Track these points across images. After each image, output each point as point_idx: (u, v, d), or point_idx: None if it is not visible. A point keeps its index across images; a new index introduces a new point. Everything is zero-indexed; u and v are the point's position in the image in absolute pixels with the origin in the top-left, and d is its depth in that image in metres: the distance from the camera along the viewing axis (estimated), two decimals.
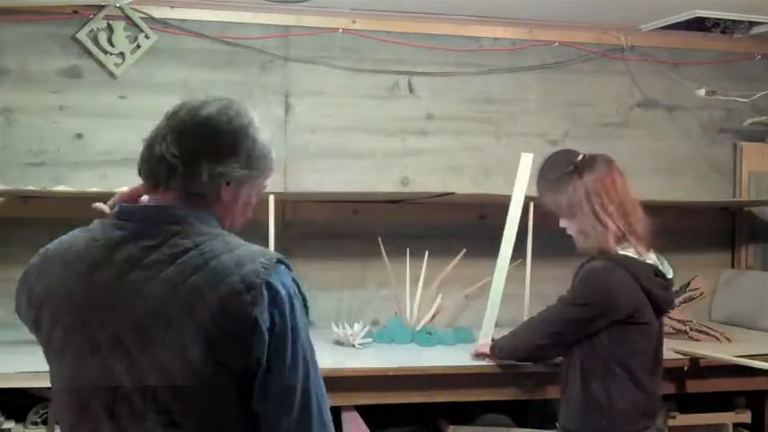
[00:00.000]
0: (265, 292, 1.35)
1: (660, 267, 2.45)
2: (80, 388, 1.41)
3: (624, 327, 2.39)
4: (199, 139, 1.44)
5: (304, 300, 1.43)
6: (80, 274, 1.41)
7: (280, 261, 1.41)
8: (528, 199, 3.17)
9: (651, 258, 2.44)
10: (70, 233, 1.51)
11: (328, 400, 1.45)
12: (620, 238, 2.40)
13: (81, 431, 1.42)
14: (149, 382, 1.35)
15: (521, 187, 3.05)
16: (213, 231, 1.43)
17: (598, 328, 2.39)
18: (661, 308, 2.46)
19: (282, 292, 1.37)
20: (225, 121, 1.45)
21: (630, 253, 2.40)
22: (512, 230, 3.05)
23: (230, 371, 1.34)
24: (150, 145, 1.47)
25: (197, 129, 1.44)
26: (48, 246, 1.51)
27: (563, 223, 2.49)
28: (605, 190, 2.40)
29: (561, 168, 2.48)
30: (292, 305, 1.38)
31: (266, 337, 1.34)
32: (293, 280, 1.42)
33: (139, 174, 1.50)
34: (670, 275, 2.48)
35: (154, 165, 1.45)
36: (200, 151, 1.43)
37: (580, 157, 2.48)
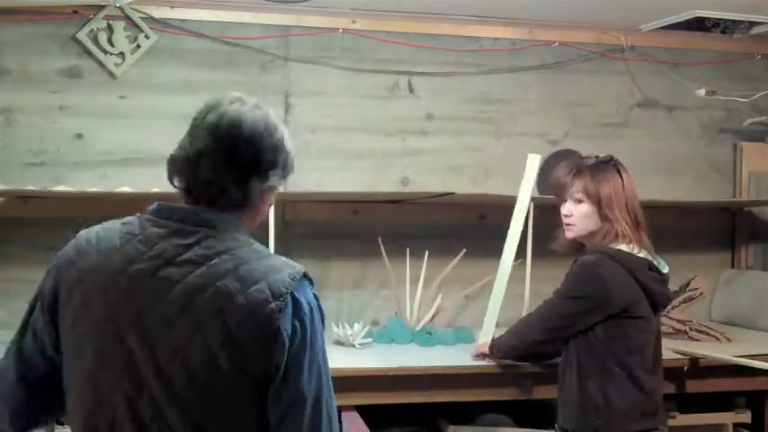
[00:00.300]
0: (290, 303, 1.41)
1: (654, 262, 2.45)
2: (100, 379, 1.43)
3: (619, 321, 2.40)
4: (249, 157, 1.47)
5: (322, 316, 1.49)
6: (115, 266, 1.43)
7: (305, 276, 1.47)
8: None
9: (644, 254, 2.45)
10: (107, 223, 1.52)
11: (337, 415, 1.50)
12: (624, 237, 2.42)
13: (96, 423, 1.43)
14: (171, 379, 1.38)
15: (527, 188, 3.04)
16: (243, 238, 1.48)
17: (593, 322, 2.40)
18: (657, 303, 2.46)
19: (305, 304, 1.43)
20: (268, 135, 1.49)
21: (624, 248, 2.42)
22: (516, 230, 3.05)
23: (250, 375, 1.38)
24: (192, 160, 1.47)
25: (246, 146, 1.47)
26: (80, 234, 1.53)
27: (575, 209, 2.47)
28: (633, 191, 2.48)
29: (591, 158, 2.53)
30: (313, 318, 1.45)
31: (287, 345, 1.39)
32: (314, 295, 1.48)
33: (171, 181, 1.51)
34: (665, 270, 2.49)
35: (200, 185, 1.47)
36: (251, 170, 1.47)
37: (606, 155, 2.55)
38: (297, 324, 1.41)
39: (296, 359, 1.41)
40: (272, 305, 1.38)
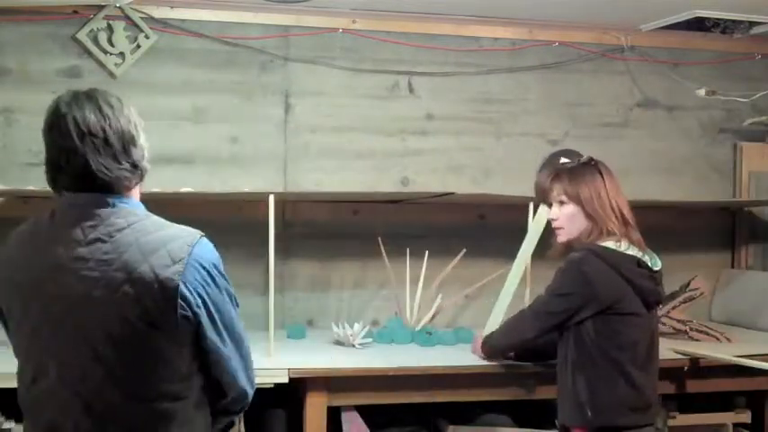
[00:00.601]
0: (190, 263, 1.61)
1: (642, 259, 2.46)
2: (33, 353, 1.66)
3: (607, 317, 2.41)
4: (120, 145, 1.65)
5: (221, 271, 1.69)
6: (37, 255, 1.65)
7: (202, 236, 1.68)
8: (528, 199, 3.17)
9: (633, 251, 2.45)
10: (33, 219, 1.73)
11: (246, 337, 1.77)
12: (611, 235, 2.44)
13: (39, 391, 1.67)
14: (94, 342, 1.59)
15: (533, 238, 3.03)
16: (142, 213, 1.68)
17: (584, 317, 2.42)
18: (648, 299, 2.46)
19: (205, 262, 1.64)
20: (126, 119, 1.68)
21: (611, 245, 2.43)
22: (513, 281, 3.12)
23: (159, 329, 1.59)
24: (73, 163, 1.62)
25: (118, 137, 1.64)
26: (11, 235, 1.75)
27: (560, 212, 2.51)
28: (616, 189, 2.50)
29: (574, 159, 2.54)
30: (210, 272, 1.65)
31: (190, 299, 1.60)
32: (214, 254, 1.69)
33: (54, 184, 1.67)
34: (657, 267, 2.49)
35: (87, 180, 1.63)
36: (123, 151, 1.65)
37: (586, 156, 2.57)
38: (198, 280, 1.62)
39: (206, 314, 1.63)
40: (173, 268, 1.59)
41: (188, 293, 1.59)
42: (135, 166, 1.67)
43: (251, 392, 1.80)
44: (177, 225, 1.68)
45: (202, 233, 1.68)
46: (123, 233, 1.61)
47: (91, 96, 1.66)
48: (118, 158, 1.63)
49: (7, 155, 3.33)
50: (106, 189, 1.64)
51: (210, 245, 1.69)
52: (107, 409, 1.60)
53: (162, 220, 1.68)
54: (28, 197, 3.20)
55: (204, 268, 1.63)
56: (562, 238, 2.54)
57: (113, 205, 1.63)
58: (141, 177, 1.70)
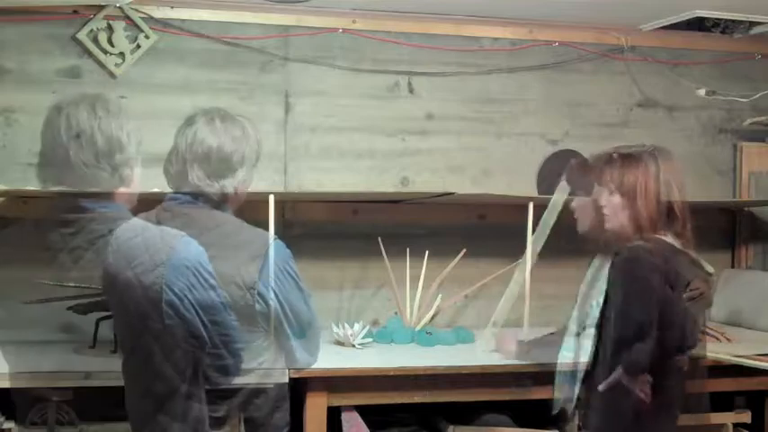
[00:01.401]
0: (171, 265, 1.61)
1: (698, 260, 2.41)
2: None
3: None
4: (106, 147, 1.66)
5: (206, 267, 1.70)
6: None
7: (183, 236, 1.66)
8: (527, 199, 3.18)
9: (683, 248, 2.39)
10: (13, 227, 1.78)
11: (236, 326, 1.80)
12: (651, 230, 2.38)
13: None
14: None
15: (554, 210, 2.94)
16: (124, 217, 1.66)
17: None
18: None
19: (187, 260, 1.65)
20: (118, 125, 1.70)
21: (664, 238, 2.37)
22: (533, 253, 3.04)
23: (147, 333, 1.62)
24: (54, 154, 1.65)
25: (106, 138, 1.66)
26: None
27: (609, 199, 2.43)
28: (671, 182, 2.40)
29: (629, 148, 2.48)
30: (194, 271, 1.66)
31: (176, 302, 1.62)
32: (196, 246, 1.69)
33: (40, 178, 1.69)
34: (711, 270, 2.44)
35: (67, 174, 1.64)
36: (107, 156, 1.67)
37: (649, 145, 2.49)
38: (184, 282, 1.63)
39: (194, 314, 1.63)
40: (156, 272, 1.59)
41: (173, 297, 1.59)
42: (115, 169, 1.66)
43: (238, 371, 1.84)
44: (159, 227, 1.67)
45: (183, 233, 1.67)
46: (104, 240, 1.60)
47: (92, 98, 1.68)
48: (99, 157, 1.63)
49: (7, 155, 3.33)
50: (86, 187, 1.63)
51: (193, 242, 1.67)
52: None
53: (143, 222, 1.67)
54: (28, 197, 3.20)
55: (188, 268, 1.63)
56: (608, 225, 2.45)
57: (93, 210, 1.62)
58: (122, 182, 1.68)
